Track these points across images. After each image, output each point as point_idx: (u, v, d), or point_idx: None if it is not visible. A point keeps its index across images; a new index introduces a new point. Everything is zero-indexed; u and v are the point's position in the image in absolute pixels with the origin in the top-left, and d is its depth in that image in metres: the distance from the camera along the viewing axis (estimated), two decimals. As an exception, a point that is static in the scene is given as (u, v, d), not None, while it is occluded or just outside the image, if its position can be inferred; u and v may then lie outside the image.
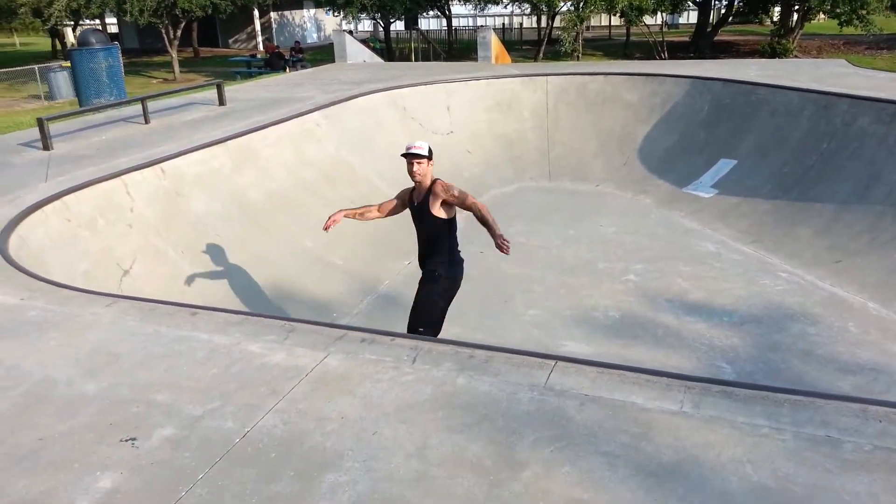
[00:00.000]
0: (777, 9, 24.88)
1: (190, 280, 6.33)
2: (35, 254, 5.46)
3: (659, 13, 24.49)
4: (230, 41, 36.69)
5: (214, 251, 6.87)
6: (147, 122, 9.62)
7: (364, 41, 24.16)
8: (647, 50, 24.44)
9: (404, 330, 4.61)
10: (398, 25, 32.63)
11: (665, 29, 28.24)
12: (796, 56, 21.02)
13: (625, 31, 28.92)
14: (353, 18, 27.16)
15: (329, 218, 4.88)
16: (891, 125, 8.18)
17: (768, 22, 26.55)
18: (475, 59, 18.27)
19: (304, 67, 21.76)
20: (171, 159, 7.55)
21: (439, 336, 4.63)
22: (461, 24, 36.90)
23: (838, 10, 19.39)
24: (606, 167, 11.15)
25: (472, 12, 30.79)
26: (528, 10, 27.19)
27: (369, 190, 9.63)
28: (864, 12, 19.06)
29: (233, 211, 7.65)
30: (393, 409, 2.93)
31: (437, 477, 2.52)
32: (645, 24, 23.64)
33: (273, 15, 36.08)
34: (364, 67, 16.61)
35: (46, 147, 8.25)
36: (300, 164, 9.16)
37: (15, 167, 7.55)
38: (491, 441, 2.70)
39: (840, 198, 8.10)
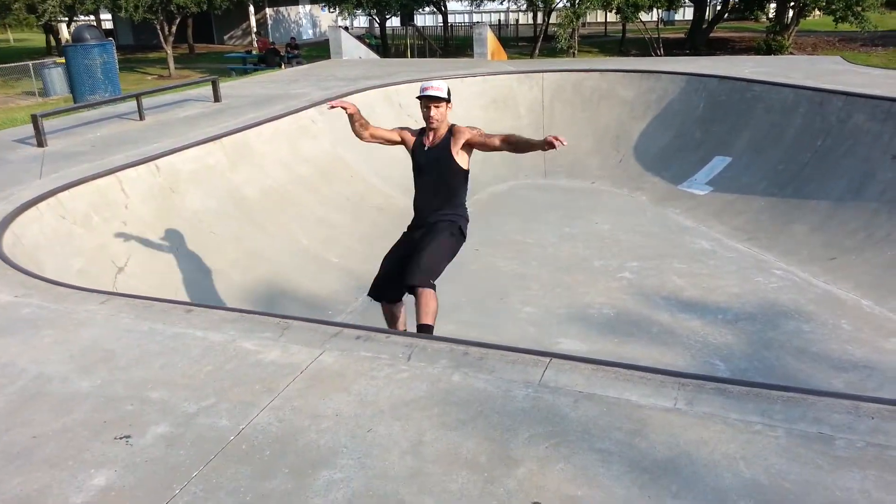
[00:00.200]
0: (772, 5, 24.95)
1: (185, 277, 6.31)
2: (29, 251, 5.45)
3: (655, 10, 24.52)
4: (225, 37, 36.62)
5: (209, 248, 6.85)
6: (142, 118, 9.59)
7: (360, 38, 24.14)
8: (643, 46, 24.46)
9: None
10: (394, 22, 32.65)
11: (661, 25, 28.28)
12: (791, 53, 21.08)
13: (621, 27, 28.97)
14: (349, 14, 27.16)
15: (340, 101, 4.40)
16: (885, 122, 8.19)
17: (764, 18, 26.63)
18: (471, 56, 18.28)
19: (299, 64, 21.74)
20: (166, 156, 7.52)
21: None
22: (457, 21, 36.90)
23: (833, 7, 19.46)
24: (602, 164, 11.16)
25: (468, 9, 30.73)
26: (525, 6, 27.21)
27: (365, 187, 9.63)
28: (859, 9, 19.13)
29: (228, 208, 7.64)
30: (388, 407, 2.94)
31: (432, 474, 2.53)
32: (641, 21, 23.68)
33: (269, 11, 36.03)
34: (360, 64, 16.59)
35: (41, 143, 8.22)
36: (295, 160, 9.14)
37: (9, 164, 7.52)
38: (486, 438, 2.71)
39: (835, 195, 8.12)
